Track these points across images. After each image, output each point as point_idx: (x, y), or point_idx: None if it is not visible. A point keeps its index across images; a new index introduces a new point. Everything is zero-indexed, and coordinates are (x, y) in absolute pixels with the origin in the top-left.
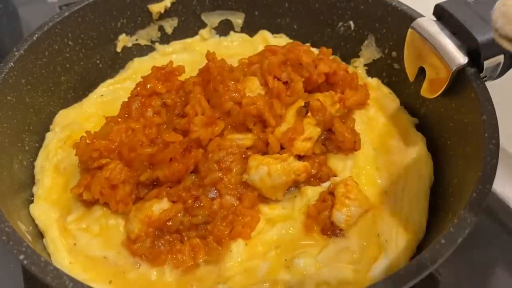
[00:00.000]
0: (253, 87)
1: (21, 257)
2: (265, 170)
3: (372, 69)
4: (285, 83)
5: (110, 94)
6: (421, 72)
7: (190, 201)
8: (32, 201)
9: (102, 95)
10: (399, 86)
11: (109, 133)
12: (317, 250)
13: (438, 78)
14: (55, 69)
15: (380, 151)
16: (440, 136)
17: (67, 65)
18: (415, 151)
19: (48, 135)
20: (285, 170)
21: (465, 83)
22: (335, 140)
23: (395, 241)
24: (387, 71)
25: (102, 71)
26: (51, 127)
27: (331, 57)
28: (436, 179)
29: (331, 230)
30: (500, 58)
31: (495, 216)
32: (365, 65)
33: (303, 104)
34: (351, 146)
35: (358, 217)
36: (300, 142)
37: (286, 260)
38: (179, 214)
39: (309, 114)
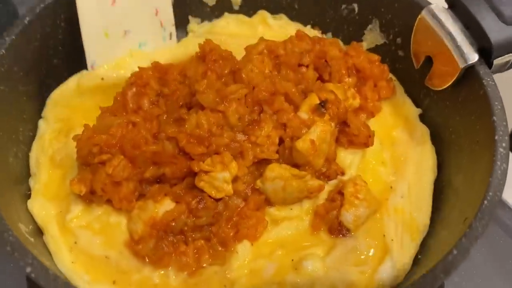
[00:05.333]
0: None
1: (28, 270)
2: (281, 185)
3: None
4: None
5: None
6: (428, 60)
7: (194, 202)
8: (29, 196)
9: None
10: (403, 74)
11: (109, 126)
12: (323, 251)
13: (445, 71)
14: (48, 53)
15: (385, 144)
16: (445, 128)
17: (60, 48)
18: (419, 144)
19: (41, 124)
20: (299, 187)
21: (474, 79)
22: (349, 134)
23: (400, 240)
24: (391, 57)
25: None
26: (42, 113)
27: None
28: (440, 172)
29: (338, 230)
30: (510, 56)
31: (495, 216)
32: (367, 49)
33: (317, 100)
34: (365, 141)
35: (366, 218)
36: None
37: (292, 260)
38: (182, 216)
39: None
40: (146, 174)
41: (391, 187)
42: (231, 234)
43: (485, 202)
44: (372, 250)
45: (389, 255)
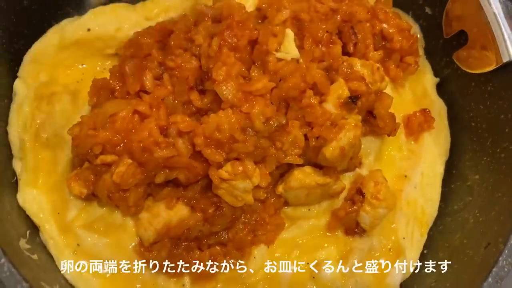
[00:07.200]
0: (289, 46)
1: None
2: (305, 193)
3: (398, 4)
4: None
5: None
6: (460, 32)
7: (211, 210)
8: (16, 184)
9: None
10: (425, 34)
11: (109, 115)
12: (339, 253)
13: (481, 56)
14: None
15: (402, 128)
16: (463, 110)
17: None
18: (436, 125)
19: (18, 86)
20: (323, 192)
21: None
22: (374, 125)
23: (411, 237)
24: (415, 11)
25: None
26: (19, 72)
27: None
28: (451, 153)
29: (354, 230)
30: None
31: None
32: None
33: (346, 89)
34: (389, 133)
35: (382, 219)
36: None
37: (308, 263)
38: (198, 223)
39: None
40: (157, 179)
41: (405, 176)
42: (248, 238)
43: None
44: (385, 251)
45: (401, 256)
